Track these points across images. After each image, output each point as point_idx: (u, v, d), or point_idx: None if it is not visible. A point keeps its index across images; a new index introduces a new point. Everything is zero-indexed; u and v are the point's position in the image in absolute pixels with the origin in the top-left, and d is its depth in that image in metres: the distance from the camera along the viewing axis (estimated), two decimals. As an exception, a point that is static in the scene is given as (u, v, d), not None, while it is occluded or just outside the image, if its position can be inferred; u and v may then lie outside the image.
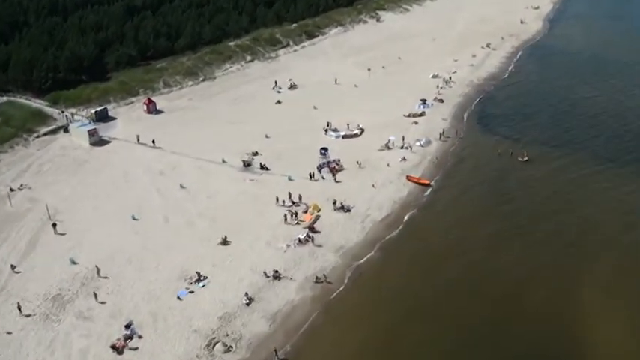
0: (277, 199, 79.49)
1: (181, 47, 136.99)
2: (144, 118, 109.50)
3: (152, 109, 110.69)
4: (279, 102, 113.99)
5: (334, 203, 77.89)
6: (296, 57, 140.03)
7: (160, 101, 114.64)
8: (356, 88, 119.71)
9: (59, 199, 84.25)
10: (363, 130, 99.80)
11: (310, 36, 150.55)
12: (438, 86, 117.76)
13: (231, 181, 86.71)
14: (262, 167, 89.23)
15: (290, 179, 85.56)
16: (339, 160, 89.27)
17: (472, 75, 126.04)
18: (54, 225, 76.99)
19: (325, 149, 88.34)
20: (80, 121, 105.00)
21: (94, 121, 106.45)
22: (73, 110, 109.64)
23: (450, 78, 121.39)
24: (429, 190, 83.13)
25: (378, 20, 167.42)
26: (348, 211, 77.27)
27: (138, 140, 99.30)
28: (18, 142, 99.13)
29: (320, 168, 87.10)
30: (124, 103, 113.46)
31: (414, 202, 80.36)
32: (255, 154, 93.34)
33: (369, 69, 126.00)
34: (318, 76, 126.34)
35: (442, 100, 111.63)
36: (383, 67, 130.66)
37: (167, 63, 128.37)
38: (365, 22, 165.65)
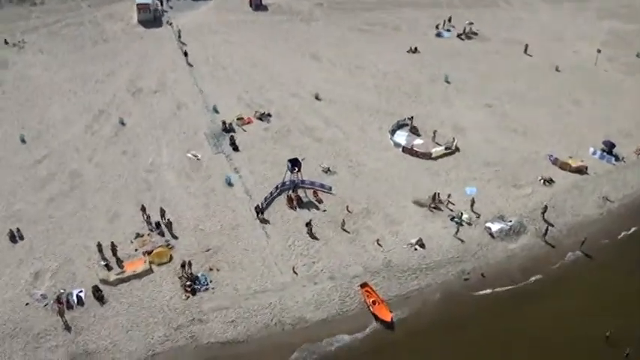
0: (144, 210, 44.78)
1: None
2: (237, 9, 77.78)
3: (255, 1, 77.66)
4: (415, 51, 70.01)
5: (183, 266, 40.32)
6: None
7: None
8: (554, 75, 67.44)
9: (22, 76, 63.56)
10: (451, 151, 53.54)
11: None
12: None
13: (178, 143, 53.35)
14: (232, 143, 53.04)
15: (229, 183, 48.69)
16: (329, 189, 48.11)
17: None
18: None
19: (296, 163, 47.15)
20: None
21: (184, -6, 79.22)
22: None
23: None
24: (383, 331, 38.36)
25: None
26: (193, 292, 39.13)
27: (178, 37, 69.64)
28: (81, -11, 77.70)
29: (274, 193, 47.52)
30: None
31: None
32: (265, 116, 56.75)
33: (598, 50, 69.73)
34: (531, 30, 75.59)
35: (647, 158, 55.20)
36: (637, 55, 72.45)
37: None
38: None
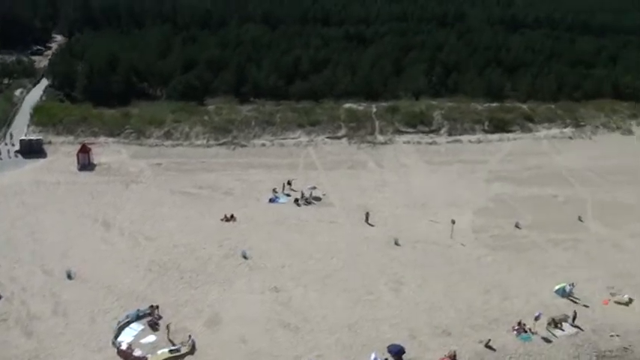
0: None
1: (296, 93, 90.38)
2: (63, 169, 70.37)
3: (82, 160, 70.56)
4: (230, 218, 59.86)
5: None
6: (421, 152, 78.32)
7: (126, 150, 74.31)
8: (389, 250, 55.64)
9: None
10: (180, 354, 40.96)
11: (497, 127, 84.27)
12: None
13: None
14: None
15: None
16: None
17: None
18: None
19: None
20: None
21: (16, 152, 73.15)
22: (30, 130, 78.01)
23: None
24: None
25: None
26: None
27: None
28: None
29: None
30: (81, 141, 75.41)
31: None
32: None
33: (452, 221, 58.36)
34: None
35: None
36: (517, 226, 60.99)
37: (229, 108, 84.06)
38: (627, 132, 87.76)
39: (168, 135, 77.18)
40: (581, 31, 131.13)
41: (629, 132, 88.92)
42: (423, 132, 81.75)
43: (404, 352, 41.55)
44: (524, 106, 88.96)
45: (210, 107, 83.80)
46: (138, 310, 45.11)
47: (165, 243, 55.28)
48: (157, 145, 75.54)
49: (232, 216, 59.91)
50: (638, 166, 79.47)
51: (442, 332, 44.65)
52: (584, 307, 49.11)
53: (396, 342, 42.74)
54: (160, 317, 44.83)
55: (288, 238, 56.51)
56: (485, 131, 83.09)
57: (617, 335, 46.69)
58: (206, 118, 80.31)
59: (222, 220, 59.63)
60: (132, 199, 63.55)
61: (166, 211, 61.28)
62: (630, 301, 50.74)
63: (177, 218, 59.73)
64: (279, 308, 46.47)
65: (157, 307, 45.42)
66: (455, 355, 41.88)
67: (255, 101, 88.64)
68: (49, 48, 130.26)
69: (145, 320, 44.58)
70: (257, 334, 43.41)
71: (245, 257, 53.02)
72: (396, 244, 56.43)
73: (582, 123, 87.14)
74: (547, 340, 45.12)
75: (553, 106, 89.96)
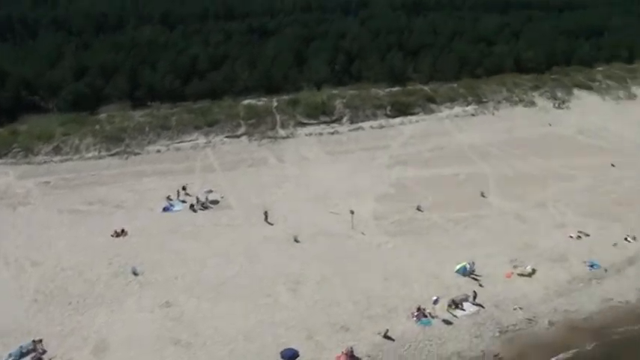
0: None
1: (194, 93, 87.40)
2: None
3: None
4: (121, 233, 56.94)
5: None
6: (322, 143, 77.38)
7: (14, 171, 69.72)
8: (288, 248, 54.30)
9: None
10: None
11: (399, 111, 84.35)
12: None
13: None
14: None
15: None
16: None
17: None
18: None
19: None
20: None
21: None
22: None
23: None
24: None
25: (557, 106, 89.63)
26: None
27: None
28: None
29: None
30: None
31: None
32: None
33: (351, 211, 57.76)
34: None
35: None
36: (418, 209, 60.92)
37: (121, 115, 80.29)
38: (530, 104, 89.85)
39: (57, 150, 72.93)
40: (486, 9, 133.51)
41: (532, 103, 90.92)
42: (324, 122, 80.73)
43: (298, 356, 40.32)
44: (426, 88, 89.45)
45: (102, 116, 79.82)
46: (20, 347, 41.84)
47: (51, 267, 51.80)
48: (45, 162, 71.20)
49: (123, 230, 57.03)
50: (540, 136, 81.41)
51: (340, 328, 43.70)
52: (486, 283, 49.30)
53: (292, 345, 41.58)
54: (45, 351, 41.87)
55: (182, 247, 54.20)
56: (388, 116, 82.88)
57: (520, 308, 47.15)
58: (97, 127, 76.40)
59: (112, 235, 56.56)
60: (18, 224, 59.39)
61: (54, 232, 57.59)
62: (533, 271, 51.39)
63: (65, 239, 56.24)
64: (170, 324, 44.31)
65: (41, 340, 42.33)
66: (352, 351, 40.94)
67: (152, 105, 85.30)
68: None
69: (29, 357, 41.52)
70: (146, 356, 41.18)
71: (135, 273, 50.39)
72: (296, 240, 55.14)
73: (484, 99, 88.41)
74: (448, 322, 44.98)
75: (455, 85, 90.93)
